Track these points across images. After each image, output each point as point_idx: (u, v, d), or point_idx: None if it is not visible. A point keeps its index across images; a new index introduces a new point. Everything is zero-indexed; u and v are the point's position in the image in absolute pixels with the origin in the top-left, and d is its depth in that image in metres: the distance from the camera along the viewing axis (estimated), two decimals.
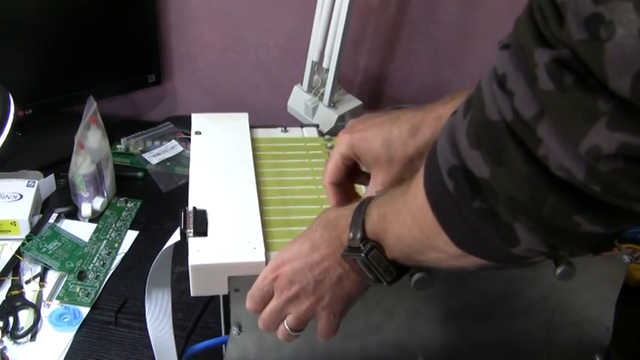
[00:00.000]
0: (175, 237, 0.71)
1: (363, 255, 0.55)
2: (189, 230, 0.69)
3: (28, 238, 1.00)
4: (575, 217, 0.40)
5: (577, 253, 0.45)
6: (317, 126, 0.95)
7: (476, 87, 0.44)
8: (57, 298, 0.93)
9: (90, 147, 1.05)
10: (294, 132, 0.93)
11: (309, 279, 0.59)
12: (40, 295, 0.93)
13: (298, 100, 1.15)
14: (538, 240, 0.43)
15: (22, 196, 1.04)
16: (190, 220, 0.70)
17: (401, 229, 0.53)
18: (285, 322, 0.62)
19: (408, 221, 0.52)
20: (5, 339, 0.86)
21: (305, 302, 0.60)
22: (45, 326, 0.89)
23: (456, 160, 0.44)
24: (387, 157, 0.63)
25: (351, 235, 0.57)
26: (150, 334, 0.75)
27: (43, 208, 1.09)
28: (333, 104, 1.11)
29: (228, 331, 0.71)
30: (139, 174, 1.20)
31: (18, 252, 0.98)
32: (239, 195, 0.76)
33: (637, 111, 0.34)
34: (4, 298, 0.92)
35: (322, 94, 1.11)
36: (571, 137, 0.37)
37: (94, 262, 0.99)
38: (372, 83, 1.34)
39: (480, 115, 0.42)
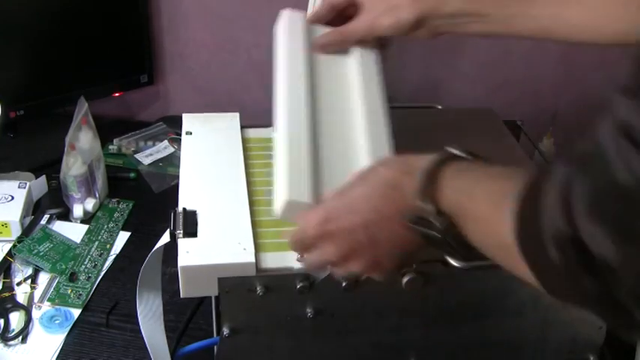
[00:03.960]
0: (165, 238, 0.70)
1: (438, 234, 0.51)
2: (178, 231, 0.68)
3: (20, 239, 1.00)
4: None
5: None
6: None
7: (586, 138, 0.37)
8: (48, 300, 0.92)
9: (81, 148, 1.05)
10: None
11: (363, 238, 0.56)
12: (31, 296, 0.92)
13: None
14: None
15: (13, 198, 1.04)
16: (180, 220, 0.69)
17: (478, 236, 0.49)
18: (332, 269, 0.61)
19: (491, 243, 0.48)
20: None
21: (358, 261, 0.58)
22: (36, 328, 0.88)
23: (568, 229, 0.37)
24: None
25: (421, 204, 0.51)
26: (144, 335, 0.74)
27: (35, 209, 1.08)
28: None
29: (219, 332, 0.70)
30: (132, 175, 1.19)
31: (9, 254, 0.98)
32: (229, 195, 0.75)
33: None
34: None
35: None
36: None
37: (85, 263, 0.99)
38: None
39: (603, 179, 0.35)
